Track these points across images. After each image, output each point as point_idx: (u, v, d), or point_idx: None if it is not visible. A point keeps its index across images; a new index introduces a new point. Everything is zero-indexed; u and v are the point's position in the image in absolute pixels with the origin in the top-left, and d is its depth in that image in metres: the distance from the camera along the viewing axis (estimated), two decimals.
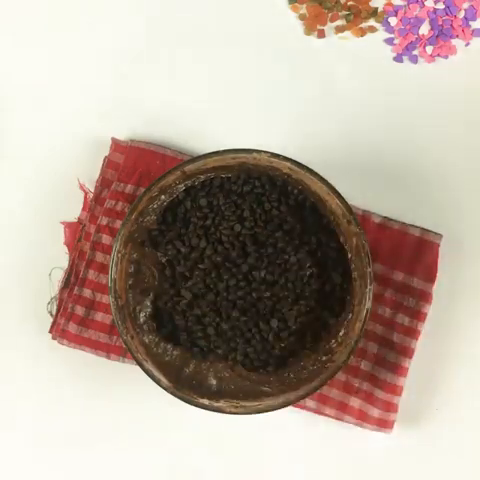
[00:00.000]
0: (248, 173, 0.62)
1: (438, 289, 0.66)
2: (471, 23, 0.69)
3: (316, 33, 0.69)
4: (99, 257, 0.67)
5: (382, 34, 0.69)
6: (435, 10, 0.69)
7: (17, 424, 0.69)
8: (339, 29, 0.69)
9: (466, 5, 0.69)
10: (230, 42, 0.69)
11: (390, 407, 0.66)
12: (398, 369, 0.66)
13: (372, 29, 0.69)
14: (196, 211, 0.63)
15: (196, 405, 0.60)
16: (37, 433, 0.68)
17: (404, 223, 0.67)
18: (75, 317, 0.67)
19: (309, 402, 0.66)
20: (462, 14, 0.68)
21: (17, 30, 0.69)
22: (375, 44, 0.69)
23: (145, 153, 0.67)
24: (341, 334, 0.62)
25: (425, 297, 0.66)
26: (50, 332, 0.68)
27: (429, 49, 0.69)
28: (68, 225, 0.69)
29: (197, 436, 0.68)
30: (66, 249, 0.69)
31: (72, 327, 0.67)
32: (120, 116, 0.69)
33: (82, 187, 0.69)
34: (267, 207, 0.63)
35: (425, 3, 0.69)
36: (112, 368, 0.68)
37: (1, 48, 0.69)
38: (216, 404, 0.60)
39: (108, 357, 0.67)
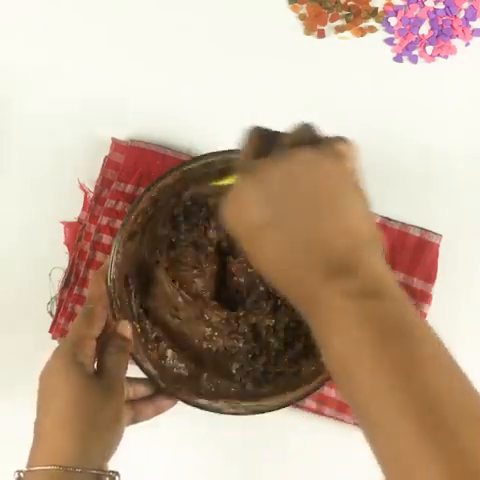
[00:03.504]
0: None
1: (438, 289, 0.66)
2: (471, 23, 0.68)
3: (316, 33, 0.69)
4: (99, 257, 0.67)
5: (382, 34, 0.69)
6: (435, 10, 0.69)
7: (17, 424, 0.69)
8: (339, 29, 0.69)
9: (466, 5, 0.68)
10: (230, 42, 0.69)
11: None
12: None
13: (372, 29, 0.69)
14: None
15: (195, 405, 0.60)
16: None
17: (404, 223, 0.67)
18: (75, 317, 0.67)
19: (309, 402, 0.66)
20: (462, 14, 0.68)
21: (18, 30, 0.70)
22: (375, 44, 0.69)
23: (145, 153, 0.67)
24: None
25: (425, 297, 0.66)
26: (50, 332, 0.68)
27: (429, 49, 0.69)
28: (68, 225, 0.69)
29: (197, 436, 0.68)
30: (66, 249, 0.69)
31: None
32: (120, 116, 0.69)
33: (82, 187, 0.69)
34: None
35: (425, 3, 0.68)
36: None
37: (2, 49, 0.70)
38: (215, 404, 0.60)
39: None
